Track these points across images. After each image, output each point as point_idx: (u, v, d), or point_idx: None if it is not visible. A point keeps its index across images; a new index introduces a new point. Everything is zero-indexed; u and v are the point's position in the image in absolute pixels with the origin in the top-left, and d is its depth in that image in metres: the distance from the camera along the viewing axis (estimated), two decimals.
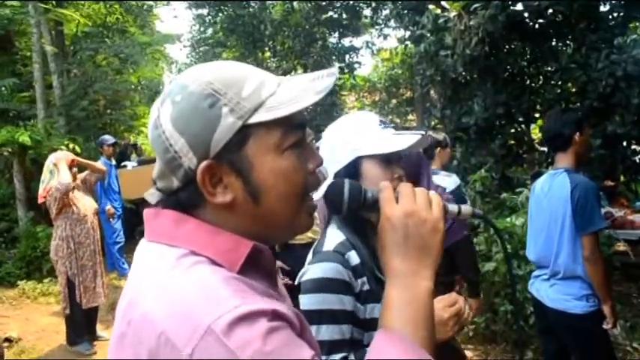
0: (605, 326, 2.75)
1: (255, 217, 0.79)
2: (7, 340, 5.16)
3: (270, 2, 13.32)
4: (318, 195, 0.86)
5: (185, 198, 0.79)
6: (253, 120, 0.76)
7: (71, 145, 7.86)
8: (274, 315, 0.67)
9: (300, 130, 0.81)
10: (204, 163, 0.75)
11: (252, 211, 0.79)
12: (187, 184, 0.78)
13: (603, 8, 6.03)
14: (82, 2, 11.81)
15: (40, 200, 4.81)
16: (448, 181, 4.12)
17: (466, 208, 0.94)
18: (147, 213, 0.83)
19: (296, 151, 0.80)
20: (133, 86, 12.88)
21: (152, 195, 0.83)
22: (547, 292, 2.88)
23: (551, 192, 2.83)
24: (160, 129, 0.78)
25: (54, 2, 8.30)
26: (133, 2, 12.75)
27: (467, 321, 1.48)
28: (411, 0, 6.06)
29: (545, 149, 5.59)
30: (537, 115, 5.87)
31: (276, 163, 0.78)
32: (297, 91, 0.79)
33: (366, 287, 1.34)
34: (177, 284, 0.69)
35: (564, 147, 2.79)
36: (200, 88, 0.76)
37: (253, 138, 0.77)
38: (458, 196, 4.11)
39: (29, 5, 8.31)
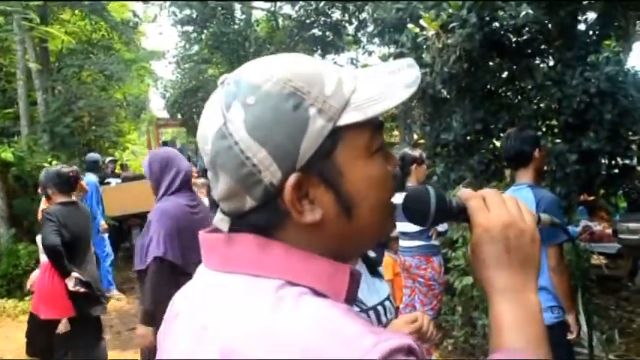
0: (569, 336, 2.83)
1: (345, 234, 0.70)
2: None
3: (255, 20, 13.47)
4: (397, 199, 0.77)
5: (261, 219, 0.68)
6: (343, 121, 0.66)
7: (54, 163, 7.85)
8: (409, 350, 0.60)
9: (382, 130, 0.74)
10: (293, 177, 0.64)
11: (343, 227, 0.69)
12: (266, 203, 0.67)
13: (580, 26, 6.19)
14: (68, 19, 11.87)
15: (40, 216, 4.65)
16: None
17: (545, 217, 0.89)
18: (213, 239, 0.72)
19: (381, 153, 0.72)
20: (118, 103, 12.90)
21: (222, 221, 0.71)
22: None
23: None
24: (230, 139, 0.65)
25: (38, 20, 8.31)
26: (119, 19, 12.81)
27: (431, 339, 1.50)
28: (390, 18, 6.18)
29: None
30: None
31: (367, 170, 0.69)
32: (381, 86, 0.70)
33: None
34: (292, 326, 0.59)
35: (526, 163, 2.93)
36: (278, 88, 0.65)
37: (342, 142, 0.67)
38: None
39: (13, 23, 8.33)
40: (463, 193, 0.82)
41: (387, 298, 1.40)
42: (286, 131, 0.64)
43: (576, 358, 3.55)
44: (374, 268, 1.42)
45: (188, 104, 14.48)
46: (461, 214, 0.80)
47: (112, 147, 13.17)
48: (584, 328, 4.29)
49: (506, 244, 0.76)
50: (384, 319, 1.36)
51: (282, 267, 0.66)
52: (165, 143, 17.47)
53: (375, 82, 0.71)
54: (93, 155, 8.45)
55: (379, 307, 1.36)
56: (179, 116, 15.35)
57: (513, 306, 0.74)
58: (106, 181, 8.51)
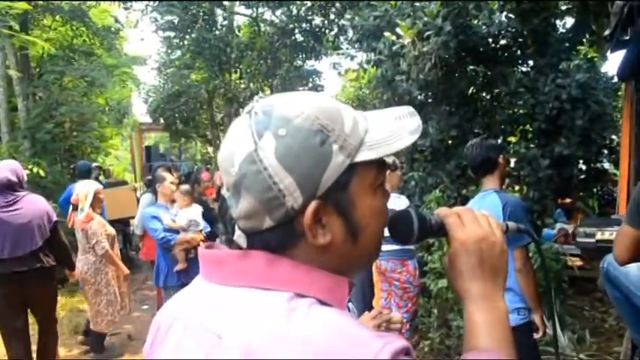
0: (535, 335, 2.94)
1: (347, 256, 0.78)
2: None
3: (236, 25, 13.51)
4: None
5: (276, 238, 0.75)
6: (359, 158, 0.74)
7: (35, 169, 7.84)
8: (407, 351, 0.67)
9: (385, 168, 0.82)
10: (313, 204, 0.72)
11: (347, 250, 0.77)
12: (283, 224, 0.74)
13: (553, 34, 6.34)
14: (49, 25, 11.83)
15: (81, 226, 4.95)
16: (398, 202, 4.30)
17: (512, 225, 0.98)
18: (222, 255, 0.79)
19: (382, 189, 0.81)
20: (100, 108, 12.86)
21: (240, 237, 0.78)
22: None
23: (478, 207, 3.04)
24: (259, 165, 0.72)
25: (18, 28, 8.29)
26: (100, 25, 12.79)
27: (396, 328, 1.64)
28: (368, 26, 6.27)
29: None
30: (489, 136, 6.10)
31: (372, 202, 0.78)
32: (390, 129, 0.79)
33: None
34: (308, 330, 0.65)
35: (491, 170, 3.07)
36: (308, 123, 0.72)
37: (356, 176, 0.75)
38: None
39: None
40: (441, 211, 0.92)
41: (350, 301, 1.50)
42: (312, 163, 0.71)
43: (546, 358, 3.66)
44: None
45: (171, 109, 14.47)
46: (440, 231, 0.91)
47: (94, 152, 13.11)
48: (557, 328, 4.42)
49: (479, 256, 0.87)
50: None
51: (290, 280, 0.73)
52: (148, 148, 17.45)
53: (383, 125, 0.79)
54: (84, 163, 8.73)
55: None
56: (162, 121, 15.33)
57: (485, 311, 0.84)
58: None
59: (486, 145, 3.10)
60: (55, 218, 4.46)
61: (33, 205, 4.30)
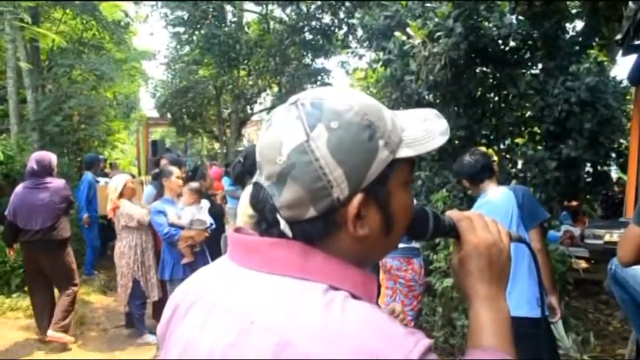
0: (552, 319, 2.99)
1: (379, 247, 0.82)
2: None
3: (246, 22, 13.53)
4: None
5: (314, 229, 0.76)
6: (400, 155, 0.78)
7: None
8: (432, 348, 0.71)
9: (414, 167, 0.86)
10: (359, 196, 0.74)
11: (379, 242, 0.81)
12: (324, 215, 0.75)
13: (563, 37, 6.33)
14: (59, 18, 11.88)
15: (110, 215, 5.52)
16: None
17: (514, 234, 1.02)
18: (260, 241, 0.80)
19: (410, 186, 0.85)
20: (108, 102, 12.90)
21: (286, 227, 0.78)
22: None
23: (492, 203, 3.12)
24: (310, 155, 0.73)
25: (29, 20, 8.34)
26: (110, 19, 12.83)
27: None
28: (378, 25, 6.29)
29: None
30: (497, 138, 6.12)
31: (405, 197, 0.82)
32: (423, 129, 0.82)
33: None
34: (345, 324, 0.67)
35: (491, 174, 3.27)
36: (358, 118, 0.75)
37: (394, 172, 0.78)
38: None
39: (5, 22, 8.36)
40: (453, 213, 0.97)
41: None
42: (361, 156, 0.74)
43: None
44: None
45: (178, 104, 14.50)
46: (452, 232, 0.95)
47: (101, 146, 13.17)
48: (560, 329, 4.44)
49: (489, 260, 0.92)
50: None
51: (324, 273, 0.75)
52: (154, 142, 17.49)
53: (416, 125, 0.83)
54: (92, 156, 9.42)
55: None
56: (169, 116, 15.37)
57: (491, 311, 0.90)
58: (96, 180, 8.59)
59: (480, 153, 3.35)
60: (71, 198, 5.57)
61: (53, 189, 5.31)
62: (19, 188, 5.40)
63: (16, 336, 5.80)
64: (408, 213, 0.85)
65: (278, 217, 0.78)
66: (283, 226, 0.78)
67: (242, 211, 3.27)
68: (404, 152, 0.78)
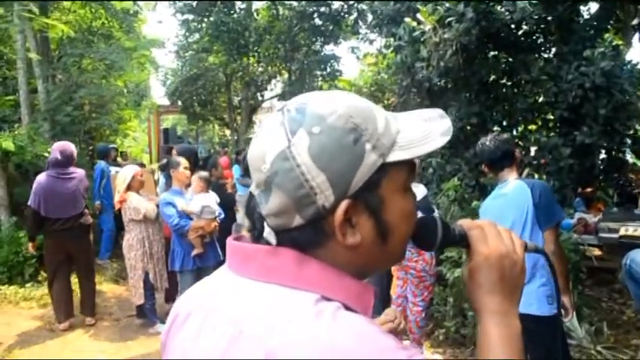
0: (564, 319, 2.95)
1: (376, 256, 0.78)
2: None
3: (255, 9, 13.44)
4: None
5: (304, 237, 0.74)
6: (391, 158, 0.74)
7: None
8: None
9: (415, 170, 0.82)
10: (345, 203, 0.71)
11: (376, 251, 0.77)
12: (312, 223, 0.73)
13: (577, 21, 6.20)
14: (68, 7, 11.86)
15: (117, 206, 5.56)
16: (415, 191, 4.27)
17: (530, 244, 0.98)
18: (251, 249, 0.78)
19: (411, 191, 0.81)
20: (118, 90, 12.91)
21: (270, 234, 0.76)
22: None
23: (508, 197, 3.04)
24: (292, 162, 0.71)
25: (37, 11, 8.32)
26: (119, 7, 12.80)
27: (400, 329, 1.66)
28: (388, 11, 6.20)
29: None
30: (509, 124, 6.03)
31: (402, 203, 0.77)
32: (421, 131, 0.78)
33: None
34: (334, 336, 0.64)
35: (511, 162, 3.11)
36: (342, 122, 0.72)
37: (387, 176, 0.74)
38: (425, 206, 4.26)
39: (13, 14, 8.35)
40: (465, 222, 0.92)
41: None
42: (345, 161, 0.71)
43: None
44: None
45: (188, 92, 14.50)
46: (462, 241, 0.90)
47: (112, 134, 13.21)
48: (574, 319, 4.39)
49: (501, 273, 0.86)
50: None
51: (318, 282, 0.73)
52: (165, 130, 17.53)
53: (415, 126, 0.79)
54: (104, 145, 9.67)
55: None
56: (179, 103, 15.37)
57: (501, 327, 0.85)
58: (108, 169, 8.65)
59: (502, 139, 3.18)
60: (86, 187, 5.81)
61: (77, 178, 5.61)
62: (42, 178, 5.46)
63: (30, 325, 5.85)
64: (408, 220, 0.80)
65: (265, 225, 0.77)
66: (267, 233, 0.76)
67: None
68: (396, 155, 0.74)
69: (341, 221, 0.72)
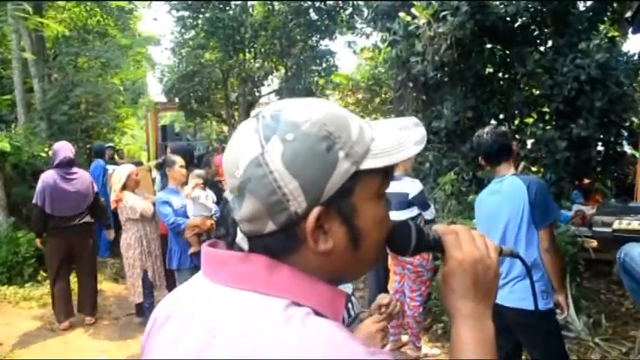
0: (559, 317, 2.94)
1: (348, 263, 0.79)
2: None
3: (250, 3, 13.38)
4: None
5: (277, 243, 0.75)
6: (364, 166, 0.75)
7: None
8: None
9: (389, 177, 0.82)
10: (317, 210, 0.72)
11: (348, 257, 0.78)
12: (284, 229, 0.74)
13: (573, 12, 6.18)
14: (63, 5, 11.82)
15: (113, 206, 5.59)
16: (412, 186, 4.27)
17: (505, 248, 0.98)
18: (225, 255, 0.79)
19: (385, 198, 0.82)
20: (115, 89, 12.89)
21: (242, 240, 0.77)
22: (502, 292, 3.03)
23: (504, 194, 3.02)
24: (265, 168, 0.71)
25: (31, 10, 8.29)
26: (114, 5, 12.75)
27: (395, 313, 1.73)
28: (382, 5, 6.18)
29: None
30: (505, 118, 6.03)
31: (375, 210, 0.78)
32: (395, 139, 0.79)
33: None
34: (302, 342, 0.66)
35: (508, 156, 3.07)
36: (316, 129, 0.72)
37: (360, 184, 0.75)
38: (421, 201, 4.26)
39: (7, 13, 8.33)
40: (439, 228, 0.93)
41: (352, 294, 1.53)
42: (318, 169, 0.71)
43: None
44: None
45: (185, 88, 14.46)
46: (437, 246, 0.91)
47: (110, 132, 13.19)
48: (571, 312, 4.40)
49: (475, 278, 0.87)
50: (352, 312, 1.50)
51: (289, 288, 0.73)
52: (164, 127, 17.50)
53: (389, 134, 0.80)
54: (99, 145, 9.74)
55: (348, 304, 1.50)
56: (177, 100, 15.33)
57: (474, 330, 0.86)
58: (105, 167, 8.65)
59: (500, 132, 3.12)
60: (96, 189, 5.96)
61: (83, 178, 5.76)
62: (49, 177, 5.54)
63: (30, 325, 5.86)
64: (381, 226, 0.81)
65: (238, 230, 0.77)
66: (239, 239, 0.77)
67: None
68: (369, 164, 0.75)
69: (313, 227, 0.72)
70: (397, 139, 0.79)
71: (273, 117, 0.75)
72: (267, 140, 0.72)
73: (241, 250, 0.78)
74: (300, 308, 0.71)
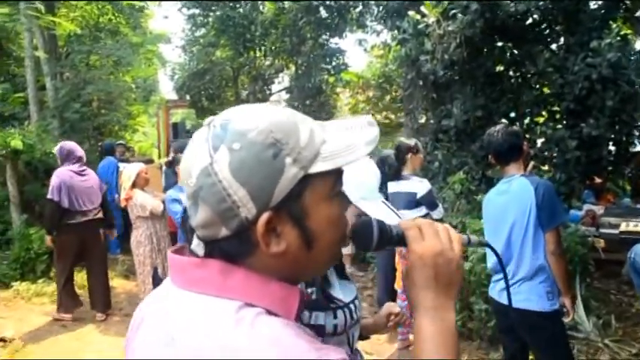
0: (565, 319, 2.93)
1: (303, 263, 0.81)
2: (2, 340, 5.30)
3: (260, 2, 13.38)
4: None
5: (232, 247, 0.78)
6: (313, 170, 0.77)
7: None
8: None
9: (342, 177, 0.85)
10: (266, 215, 0.74)
11: (302, 257, 0.80)
12: (238, 234, 0.76)
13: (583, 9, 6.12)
14: (75, 3, 11.90)
15: (123, 204, 5.66)
16: (420, 186, 4.26)
17: (474, 238, 1.01)
18: (184, 262, 0.82)
19: (340, 198, 0.84)
20: (127, 86, 12.97)
21: (198, 246, 0.81)
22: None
23: (511, 195, 3.01)
24: (214, 177, 0.74)
25: (43, 9, 8.37)
26: (125, 3, 12.82)
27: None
28: (392, 4, 6.17)
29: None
30: (516, 117, 6.00)
31: (328, 211, 0.80)
32: (346, 141, 0.81)
33: (314, 296, 1.46)
34: (249, 343, 0.69)
35: (517, 156, 3.04)
36: (262, 137, 0.74)
37: (310, 187, 0.77)
38: (429, 201, 4.26)
39: (20, 12, 8.41)
40: (403, 223, 0.95)
41: (356, 298, 1.54)
42: (265, 176, 0.74)
43: (571, 342, 3.63)
44: (342, 272, 1.58)
45: (196, 86, 14.48)
46: (401, 241, 0.94)
47: (122, 130, 13.28)
48: (581, 312, 4.38)
49: (435, 270, 0.89)
50: (355, 315, 1.51)
51: (242, 290, 0.77)
52: (175, 125, 17.55)
53: (340, 136, 0.83)
54: (108, 143, 9.68)
55: (351, 306, 1.51)
56: (188, 98, 15.38)
57: (435, 322, 0.88)
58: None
59: (511, 132, 3.09)
60: (104, 187, 6.21)
61: (92, 175, 6.02)
62: (65, 173, 5.69)
63: (42, 320, 5.93)
64: (335, 226, 0.83)
65: (195, 236, 0.81)
66: (195, 245, 0.82)
67: None
68: (319, 167, 0.77)
69: (263, 231, 0.75)
70: (347, 140, 0.82)
71: (222, 126, 0.77)
72: (215, 150, 0.75)
73: (197, 256, 0.82)
74: (252, 309, 0.74)
